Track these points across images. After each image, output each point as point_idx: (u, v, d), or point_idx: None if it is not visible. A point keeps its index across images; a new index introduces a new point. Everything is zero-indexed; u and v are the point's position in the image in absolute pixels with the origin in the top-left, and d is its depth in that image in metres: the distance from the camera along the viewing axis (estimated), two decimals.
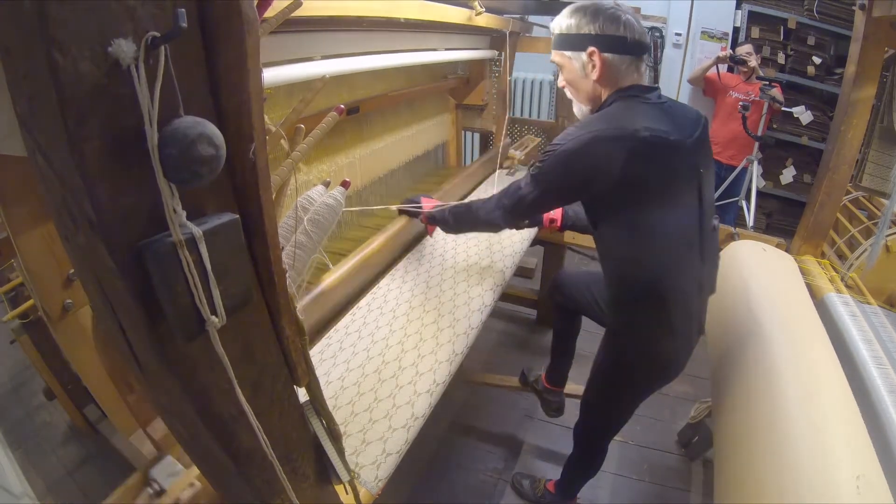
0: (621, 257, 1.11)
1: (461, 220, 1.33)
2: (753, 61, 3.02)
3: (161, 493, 0.82)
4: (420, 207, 1.47)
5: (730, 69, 3.21)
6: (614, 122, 1.00)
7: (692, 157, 1.05)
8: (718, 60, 3.12)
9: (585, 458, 1.62)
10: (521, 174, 2.09)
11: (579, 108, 1.15)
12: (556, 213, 1.49)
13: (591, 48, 1.03)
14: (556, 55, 1.11)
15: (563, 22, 1.07)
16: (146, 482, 0.83)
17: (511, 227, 1.28)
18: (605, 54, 1.03)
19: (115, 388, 0.84)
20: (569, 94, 1.15)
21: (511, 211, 1.18)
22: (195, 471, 0.84)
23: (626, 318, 1.18)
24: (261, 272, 0.50)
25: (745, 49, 3.06)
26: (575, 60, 1.07)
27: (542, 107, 4.19)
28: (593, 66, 1.05)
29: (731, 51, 3.18)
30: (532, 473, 1.90)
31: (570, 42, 1.07)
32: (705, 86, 3.30)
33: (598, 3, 1.06)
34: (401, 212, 1.55)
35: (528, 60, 3.02)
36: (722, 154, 3.29)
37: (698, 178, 1.08)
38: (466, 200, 1.42)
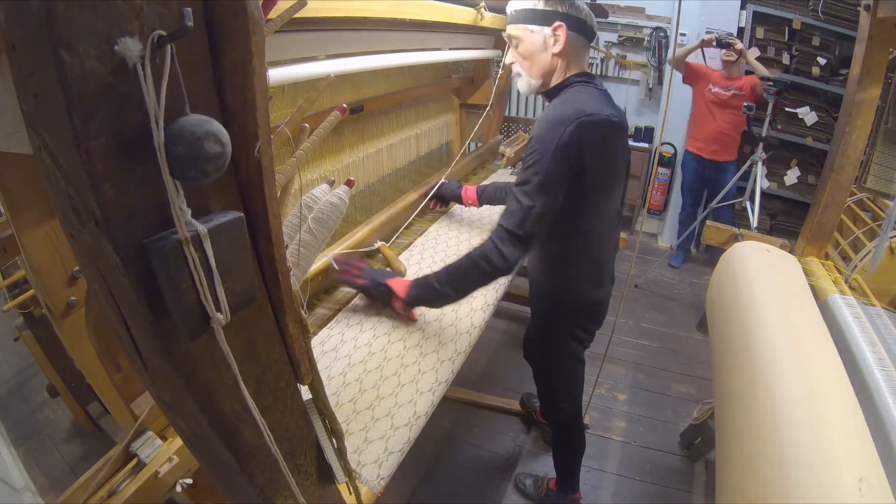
0: (574, 231, 1.22)
1: (457, 284, 1.15)
2: (739, 44, 2.95)
3: (141, 466, 0.84)
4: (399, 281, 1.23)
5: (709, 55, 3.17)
6: (588, 108, 1.08)
7: (626, 138, 1.23)
8: (703, 43, 3.04)
9: (566, 436, 1.66)
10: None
11: (527, 83, 1.22)
12: (473, 194, 1.58)
13: (559, 23, 1.13)
14: (515, 29, 1.18)
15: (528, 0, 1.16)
16: (127, 456, 0.85)
17: (522, 259, 1.14)
18: (570, 31, 1.14)
19: (102, 366, 0.85)
20: (519, 68, 1.22)
21: (529, 236, 1.10)
22: (174, 446, 0.87)
23: (563, 280, 1.34)
24: (265, 270, 0.50)
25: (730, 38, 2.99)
26: (537, 34, 1.15)
27: (536, 105, 4.22)
28: (555, 41, 1.15)
29: (716, 34, 3.05)
30: (535, 473, 1.90)
31: (538, 16, 1.15)
32: (685, 72, 3.20)
33: None
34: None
35: None
36: (704, 150, 3.28)
37: (628, 155, 1.27)
38: (444, 265, 1.19)
